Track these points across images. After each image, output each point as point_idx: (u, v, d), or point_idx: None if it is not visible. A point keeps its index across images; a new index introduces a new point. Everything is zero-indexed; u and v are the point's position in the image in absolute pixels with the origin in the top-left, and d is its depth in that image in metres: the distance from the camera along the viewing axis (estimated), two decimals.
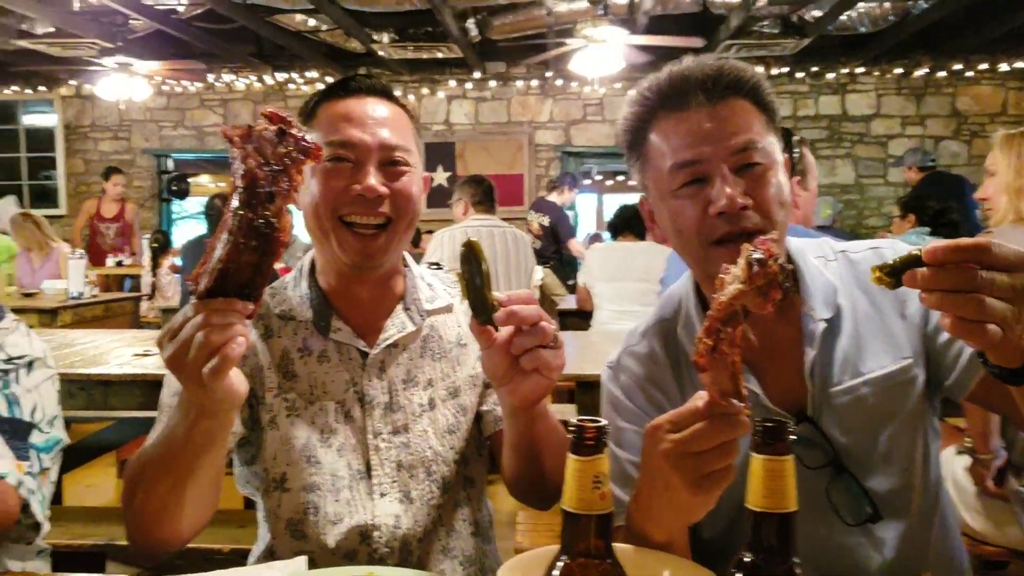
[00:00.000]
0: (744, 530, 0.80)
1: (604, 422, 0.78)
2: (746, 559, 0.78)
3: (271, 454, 1.41)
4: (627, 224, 5.21)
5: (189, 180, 10.43)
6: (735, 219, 1.19)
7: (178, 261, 7.46)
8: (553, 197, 8.25)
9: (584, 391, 3.06)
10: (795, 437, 0.79)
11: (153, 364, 3.06)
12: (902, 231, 5.19)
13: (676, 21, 7.87)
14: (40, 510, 1.54)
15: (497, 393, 1.32)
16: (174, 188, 10.17)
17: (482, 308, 1.10)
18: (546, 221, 7.94)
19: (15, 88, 10.24)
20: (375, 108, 1.41)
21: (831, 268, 1.33)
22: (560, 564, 0.77)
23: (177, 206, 11.33)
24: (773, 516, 0.77)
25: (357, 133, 1.38)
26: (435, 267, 4.25)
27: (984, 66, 9.32)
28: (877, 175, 9.58)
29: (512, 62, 9.61)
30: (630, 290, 5.03)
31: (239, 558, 1.68)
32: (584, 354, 3.48)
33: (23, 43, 8.07)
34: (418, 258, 3.77)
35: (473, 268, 1.10)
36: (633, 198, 9.03)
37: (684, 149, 1.22)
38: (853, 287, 1.30)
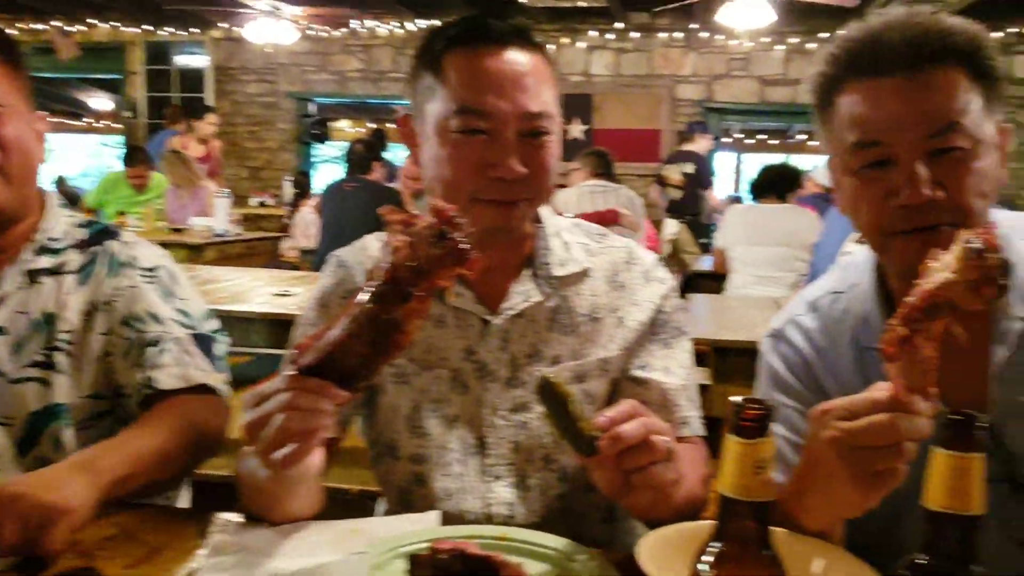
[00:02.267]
0: (918, 530, 0.73)
1: (770, 404, 0.72)
2: (919, 561, 0.71)
3: (380, 420, 1.37)
4: (770, 186, 5.01)
5: (329, 124, 10.69)
6: (920, 211, 1.07)
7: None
8: (689, 147, 7.94)
9: (720, 357, 2.98)
10: (981, 434, 0.71)
11: (292, 303, 3.17)
12: None
13: None
14: None
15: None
16: (315, 132, 10.46)
17: (582, 442, 1.00)
18: (690, 168, 7.65)
19: (169, 30, 10.68)
20: (514, 63, 1.24)
21: None
22: (714, 549, 0.73)
23: (317, 149, 11.66)
24: (954, 518, 0.70)
25: (494, 100, 1.21)
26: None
27: None
28: None
29: (656, 12, 9.32)
30: (770, 255, 4.86)
31: (368, 500, 1.70)
32: (720, 319, 3.40)
33: None
34: None
35: (556, 406, 1.00)
36: (775, 158, 8.72)
37: (870, 127, 1.10)
38: None
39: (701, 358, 4.65)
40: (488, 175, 1.22)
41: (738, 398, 0.73)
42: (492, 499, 1.31)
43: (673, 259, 7.49)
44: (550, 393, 1.01)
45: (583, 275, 1.36)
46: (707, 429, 1.35)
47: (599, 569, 1.02)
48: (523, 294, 1.32)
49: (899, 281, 1.19)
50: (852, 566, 0.95)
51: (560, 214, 1.47)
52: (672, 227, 7.60)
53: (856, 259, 1.32)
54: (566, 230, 1.41)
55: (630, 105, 9.60)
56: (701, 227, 7.64)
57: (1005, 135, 1.14)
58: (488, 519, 1.29)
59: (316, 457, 1.07)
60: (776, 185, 4.97)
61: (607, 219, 4.58)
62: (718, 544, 0.73)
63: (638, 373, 1.33)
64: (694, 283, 6.08)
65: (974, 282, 0.81)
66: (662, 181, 7.84)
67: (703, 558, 0.73)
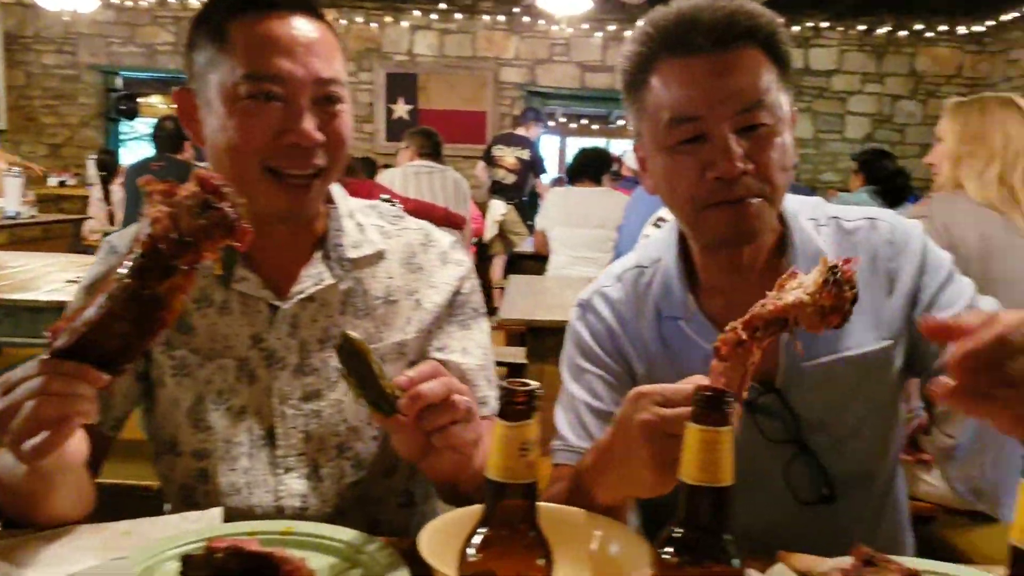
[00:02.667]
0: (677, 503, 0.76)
1: (535, 386, 0.73)
2: (676, 534, 0.74)
3: (159, 415, 1.30)
4: (585, 169, 5.16)
5: (139, 100, 10.07)
6: (733, 184, 1.13)
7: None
8: (523, 132, 8.05)
9: (535, 337, 3.03)
10: (731, 408, 0.75)
11: None
12: (855, 187, 5.24)
13: None
14: None
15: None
16: (122, 108, 9.81)
17: (383, 401, 0.99)
18: (526, 155, 7.76)
19: None
20: (304, 29, 1.19)
21: (822, 234, 1.27)
22: (481, 534, 0.73)
23: (126, 127, 10.95)
24: (707, 490, 0.73)
25: (287, 64, 1.16)
26: (389, 202, 4.22)
27: (943, 28, 9.33)
28: (835, 130, 9.59)
29: None
30: (587, 236, 5.01)
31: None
32: (537, 299, 3.45)
33: None
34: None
35: (357, 365, 0.98)
36: (596, 142, 8.98)
37: (685, 103, 1.14)
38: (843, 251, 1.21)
39: (518, 338, 4.76)
40: (282, 142, 1.17)
41: (505, 382, 0.73)
42: (283, 492, 1.27)
43: (501, 240, 7.59)
44: (350, 352, 0.99)
45: (378, 257, 1.34)
46: None
47: (388, 559, 1.00)
48: (314, 277, 1.28)
49: (704, 256, 1.27)
50: (626, 538, 0.98)
51: (390, 195, 1.45)
52: (500, 208, 7.68)
53: (658, 237, 1.38)
54: (360, 211, 1.37)
55: (455, 86, 9.60)
56: (529, 209, 7.77)
57: (794, 118, 1.22)
58: (280, 513, 1.25)
59: (77, 447, 1.00)
60: (590, 169, 5.12)
61: (435, 215, 4.54)
62: (485, 528, 0.73)
63: (436, 355, 1.33)
64: (517, 264, 6.19)
65: (825, 308, 0.86)
66: (492, 161, 7.86)
67: (471, 542, 0.73)
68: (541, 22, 9.48)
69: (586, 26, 9.36)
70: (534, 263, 5.58)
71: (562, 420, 1.31)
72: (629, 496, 1.08)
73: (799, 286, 0.89)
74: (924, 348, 1.23)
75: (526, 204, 7.79)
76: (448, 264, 1.39)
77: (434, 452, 1.02)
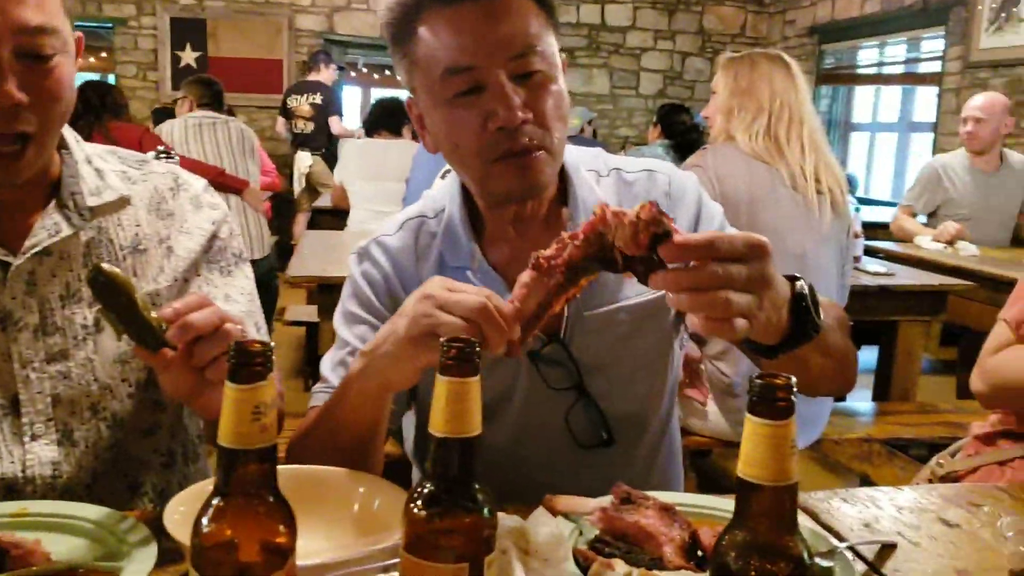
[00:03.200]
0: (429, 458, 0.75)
1: (267, 344, 0.68)
2: (425, 489, 0.73)
3: None
4: (382, 121, 5.03)
5: None
6: (515, 134, 1.11)
7: None
8: (315, 77, 7.77)
9: (325, 293, 2.95)
10: (479, 357, 0.74)
11: None
12: (652, 140, 5.46)
13: None
14: None
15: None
16: None
17: (148, 335, 0.92)
18: (318, 99, 7.51)
19: None
20: None
21: (603, 185, 1.29)
22: (214, 505, 0.68)
23: None
24: (455, 441, 0.72)
25: None
26: (166, 155, 3.95)
27: None
28: (630, 86, 9.93)
29: None
30: (388, 190, 4.90)
31: None
32: (329, 255, 3.36)
33: None
34: None
35: (115, 298, 0.92)
36: (402, 93, 8.79)
37: (458, 53, 1.11)
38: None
39: (308, 296, 4.64)
40: None
41: (233, 341, 0.68)
42: (32, 461, 1.17)
43: (309, 194, 7.35)
44: (107, 286, 0.92)
45: (122, 204, 1.24)
46: None
47: (136, 535, 0.94)
48: (49, 228, 1.17)
49: (488, 208, 1.26)
50: (392, 495, 0.96)
51: (167, 150, 1.33)
52: (306, 160, 7.44)
53: (442, 187, 1.36)
54: (98, 156, 1.27)
55: (247, 33, 9.10)
56: (336, 160, 7.54)
57: (564, 66, 1.22)
58: (29, 483, 1.15)
59: None
60: (389, 120, 5.00)
61: (209, 176, 4.27)
62: (219, 498, 0.68)
63: None
64: (318, 220, 6.01)
65: (640, 228, 0.89)
66: (289, 113, 7.60)
67: (206, 513, 0.68)
68: None
69: None
70: (335, 219, 5.42)
71: (327, 364, 1.29)
72: (380, 392, 1.09)
73: (627, 227, 0.92)
74: None
75: (330, 153, 7.56)
76: (202, 208, 1.31)
77: (208, 388, 0.97)
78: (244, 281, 1.32)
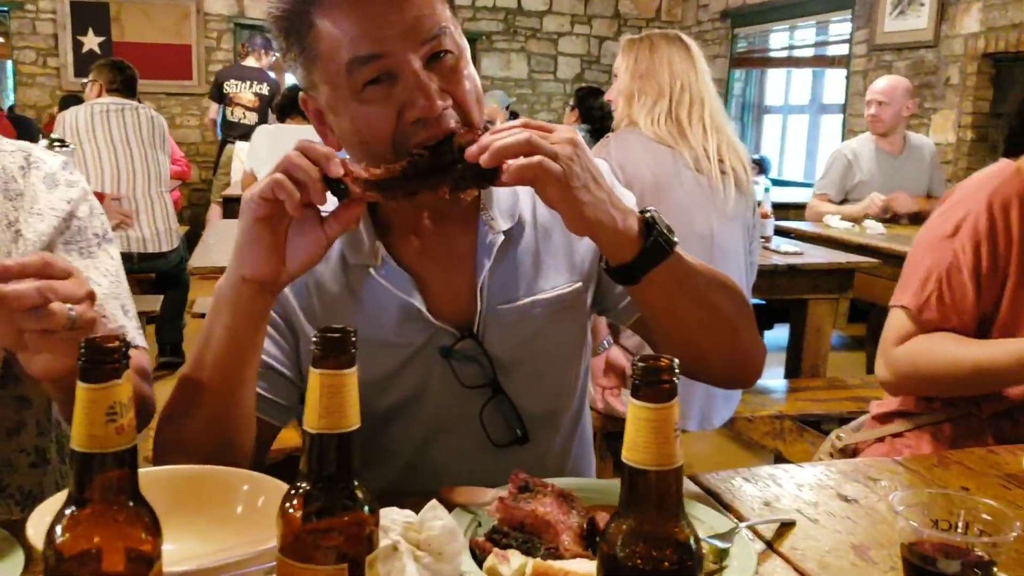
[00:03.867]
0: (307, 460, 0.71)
1: (120, 340, 0.63)
2: (301, 488, 0.69)
3: None
4: (294, 106, 4.92)
5: None
6: (435, 123, 1.05)
7: None
8: (251, 63, 7.26)
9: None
10: (355, 348, 0.70)
11: None
12: (570, 125, 5.47)
13: None
14: None
15: None
16: None
17: None
18: (264, 90, 7.05)
19: None
20: None
21: None
22: (67, 515, 0.63)
23: None
24: (331, 437, 0.69)
25: None
26: (60, 144, 3.79)
27: None
28: (548, 71, 9.93)
29: None
30: None
31: None
32: (221, 245, 3.23)
33: None
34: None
35: None
36: None
37: (364, 40, 1.03)
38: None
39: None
40: None
41: (85, 338, 0.63)
42: None
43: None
44: None
45: None
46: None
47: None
48: None
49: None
50: (277, 492, 0.92)
51: (61, 140, 1.24)
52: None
53: None
54: None
55: (153, 17, 8.78)
56: None
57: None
58: None
59: None
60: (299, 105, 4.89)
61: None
62: (75, 506, 0.63)
63: None
64: (232, 209, 5.84)
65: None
66: (226, 100, 7.13)
67: (60, 521, 0.64)
68: None
69: None
70: None
71: None
72: (237, 301, 1.03)
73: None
74: (609, 288, 1.28)
75: None
76: (57, 187, 1.23)
77: (29, 348, 0.91)
78: (108, 262, 1.25)
